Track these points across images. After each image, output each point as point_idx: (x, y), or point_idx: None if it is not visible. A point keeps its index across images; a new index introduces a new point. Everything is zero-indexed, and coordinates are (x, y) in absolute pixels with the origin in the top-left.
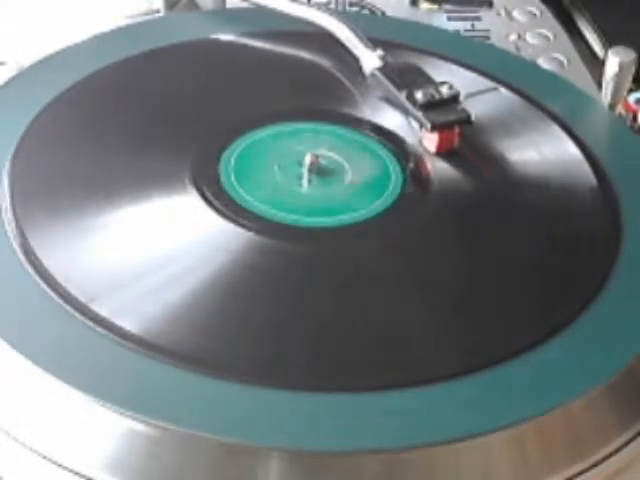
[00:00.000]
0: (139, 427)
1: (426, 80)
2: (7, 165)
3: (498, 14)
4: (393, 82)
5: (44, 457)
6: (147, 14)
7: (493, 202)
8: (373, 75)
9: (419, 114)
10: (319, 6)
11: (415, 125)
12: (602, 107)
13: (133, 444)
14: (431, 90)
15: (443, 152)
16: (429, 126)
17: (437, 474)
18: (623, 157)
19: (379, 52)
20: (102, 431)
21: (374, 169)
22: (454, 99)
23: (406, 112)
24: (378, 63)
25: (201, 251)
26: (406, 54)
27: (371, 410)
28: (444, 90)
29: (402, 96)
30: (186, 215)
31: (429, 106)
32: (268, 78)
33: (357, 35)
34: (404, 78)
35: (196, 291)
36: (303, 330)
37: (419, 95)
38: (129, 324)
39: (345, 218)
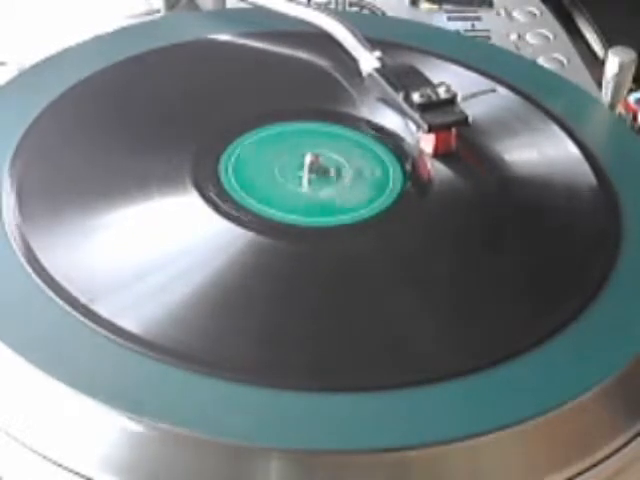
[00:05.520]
0: (138, 427)
1: (423, 81)
2: (8, 165)
3: (498, 14)
4: (390, 83)
5: (44, 457)
6: (147, 14)
7: (493, 202)
8: (371, 76)
9: (416, 115)
10: (318, 6)
11: (412, 127)
12: (602, 106)
13: (132, 444)
14: (428, 91)
15: (441, 154)
16: (426, 127)
17: (437, 474)
18: (623, 157)
19: (377, 53)
20: (101, 431)
21: (374, 168)
22: (451, 100)
23: (403, 113)
24: (376, 64)
25: (201, 251)
26: (406, 54)
27: (371, 410)
28: (441, 91)
29: (399, 97)
30: (186, 215)
31: (426, 107)
32: (268, 78)
33: (355, 36)
34: (401, 79)
35: (196, 291)
36: (303, 330)
37: (416, 96)
38: (129, 324)
39: (345, 218)
